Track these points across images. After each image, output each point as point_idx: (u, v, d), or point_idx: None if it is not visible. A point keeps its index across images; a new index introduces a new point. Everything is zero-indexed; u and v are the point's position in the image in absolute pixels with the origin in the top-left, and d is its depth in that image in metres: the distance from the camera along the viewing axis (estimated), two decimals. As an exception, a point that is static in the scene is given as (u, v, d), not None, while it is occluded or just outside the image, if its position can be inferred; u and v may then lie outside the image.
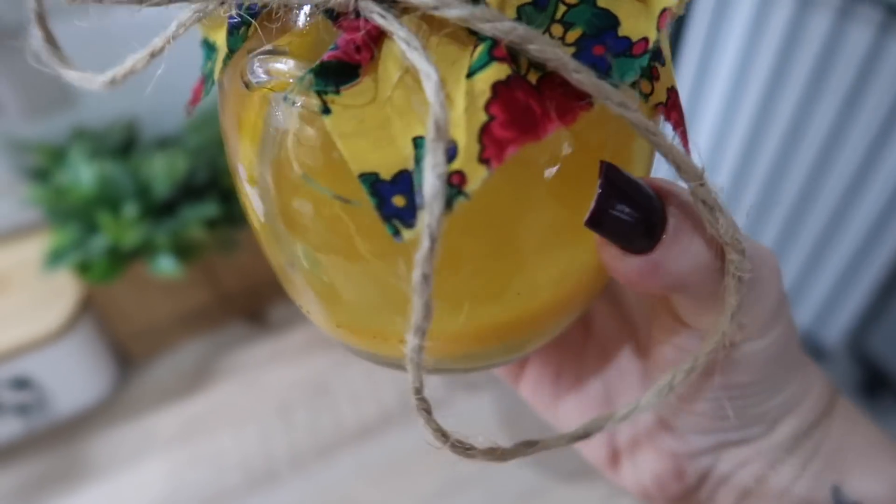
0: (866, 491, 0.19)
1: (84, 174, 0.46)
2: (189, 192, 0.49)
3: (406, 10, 0.13)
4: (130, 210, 0.46)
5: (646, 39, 0.13)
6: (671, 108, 0.14)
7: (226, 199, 0.50)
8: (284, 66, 0.14)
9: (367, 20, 0.13)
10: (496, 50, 0.12)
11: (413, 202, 0.13)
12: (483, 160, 0.12)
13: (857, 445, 0.20)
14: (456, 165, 0.12)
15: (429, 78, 0.12)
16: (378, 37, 0.13)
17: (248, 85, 0.15)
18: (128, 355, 0.56)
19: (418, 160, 0.12)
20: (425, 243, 0.12)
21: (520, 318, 0.17)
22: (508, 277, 0.16)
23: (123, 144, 0.50)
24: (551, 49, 0.12)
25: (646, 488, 0.22)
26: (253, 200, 0.16)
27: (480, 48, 0.12)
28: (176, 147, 0.49)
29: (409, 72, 0.12)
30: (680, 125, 0.15)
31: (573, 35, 0.13)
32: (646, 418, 0.22)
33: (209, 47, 0.16)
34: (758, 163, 1.34)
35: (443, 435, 0.15)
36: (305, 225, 0.15)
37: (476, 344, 0.18)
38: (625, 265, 0.15)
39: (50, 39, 0.16)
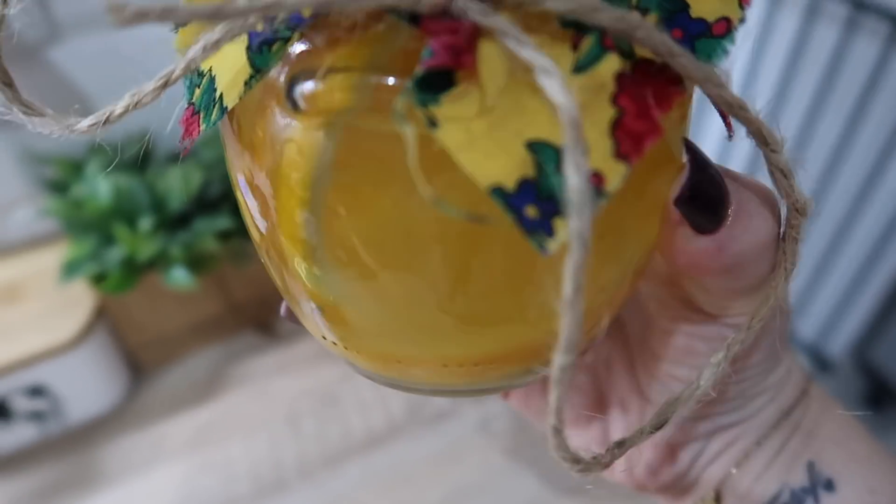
0: (839, 468, 0.20)
1: (101, 187, 0.47)
2: (203, 204, 0.50)
3: (497, 8, 0.12)
4: (146, 223, 0.47)
5: (726, 19, 0.13)
6: None
7: (238, 212, 0.51)
8: (341, 83, 0.13)
9: (460, 21, 0.11)
10: (605, 41, 0.12)
11: (546, 210, 0.12)
12: (621, 156, 0.11)
13: (831, 426, 0.21)
14: (590, 165, 0.11)
15: (549, 74, 0.11)
16: (472, 38, 0.12)
17: (296, 107, 0.13)
18: (140, 364, 0.57)
19: (541, 165, 0.12)
20: (578, 251, 0.11)
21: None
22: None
23: (139, 157, 0.51)
24: (658, 35, 0.11)
25: (639, 479, 0.22)
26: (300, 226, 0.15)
27: (588, 41, 0.12)
28: (190, 161, 0.51)
29: (514, 73, 0.12)
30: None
31: (650, 20, 0.12)
32: (639, 404, 0.22)
33: (197, 74, 0.15)
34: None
35: (574, 460, 0.15)
36: (362, 248, 0.14)
37: (516, 362, 0.17)
38: (695, 245, 0.16)
39: (6, 79, 0.14)
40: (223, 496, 0.50)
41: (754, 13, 1.20)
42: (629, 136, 0.11)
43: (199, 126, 0.15)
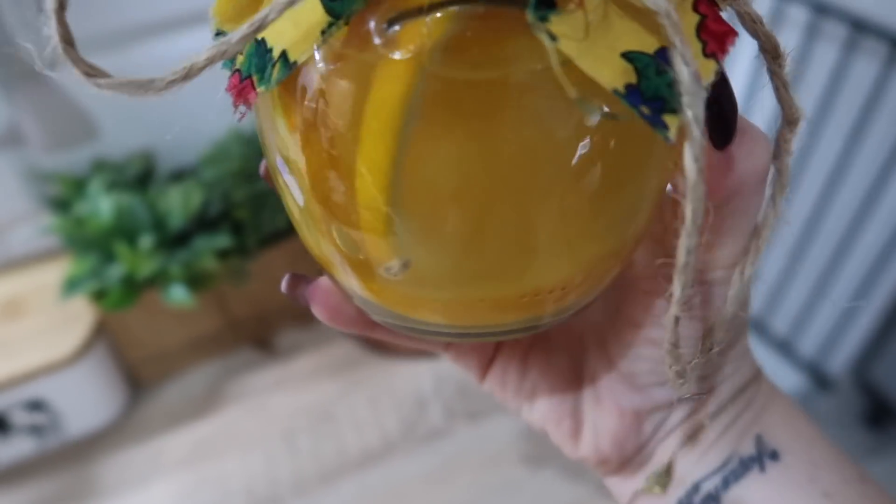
0: (785, 442, 0.22)
1: (103, 205, 0.48)
2: (203, 223, 0.51)
3: None
4: (146, 241, 0.47)
5: None
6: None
7: (238, 231, 0.52)
8: (439, 21, 0.13)
9: None
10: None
11: (655, 108, 0.13)
12: (709, 54, 0.13)
13: (778, 407, 0.23)
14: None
15: None
16: None
17: (390, 48, 0.14)
18: (139, 379, 0.57)
19: (641, 71, 0.13)
20: (697, 134, 0.12)
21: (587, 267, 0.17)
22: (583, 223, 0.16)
23: (141, 176, 0.52)
24: None
25: (603, 452, 0.23)
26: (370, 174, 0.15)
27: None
28: (191, 180, 0.51)
29: None
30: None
31: None
32: (609, 377, 0.23)
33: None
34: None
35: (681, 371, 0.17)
36: (461, 176, 0.15)
37: (530, 308, 0.18)
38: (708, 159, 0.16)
39: (67, 37, 0.14)
40: (219, 512, 0.50)
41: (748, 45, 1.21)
42: (713, 37, 0.13)
43: (254, 89, 0.15)
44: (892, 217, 1.14)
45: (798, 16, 1.08)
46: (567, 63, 0.13)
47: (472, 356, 0.24)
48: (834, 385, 1.37)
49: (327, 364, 0.60)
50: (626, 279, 0.21)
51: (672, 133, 0.13)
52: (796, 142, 0.17)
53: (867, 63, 1.06)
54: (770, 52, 0.16)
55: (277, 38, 0.14)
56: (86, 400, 0.53)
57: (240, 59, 0.15)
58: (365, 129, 0.14)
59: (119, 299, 0.48)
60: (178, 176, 0.54)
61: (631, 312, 0.21)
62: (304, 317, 0.61)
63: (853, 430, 1.34)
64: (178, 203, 0.49)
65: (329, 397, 0.57)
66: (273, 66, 0.14)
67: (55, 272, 0.53)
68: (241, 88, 0.15)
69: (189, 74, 0.14)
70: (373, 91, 0.14)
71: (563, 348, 0.25)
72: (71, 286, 0.48)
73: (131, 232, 0.48)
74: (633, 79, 0.13)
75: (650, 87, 0.13)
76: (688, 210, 0.13)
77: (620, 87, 0.13)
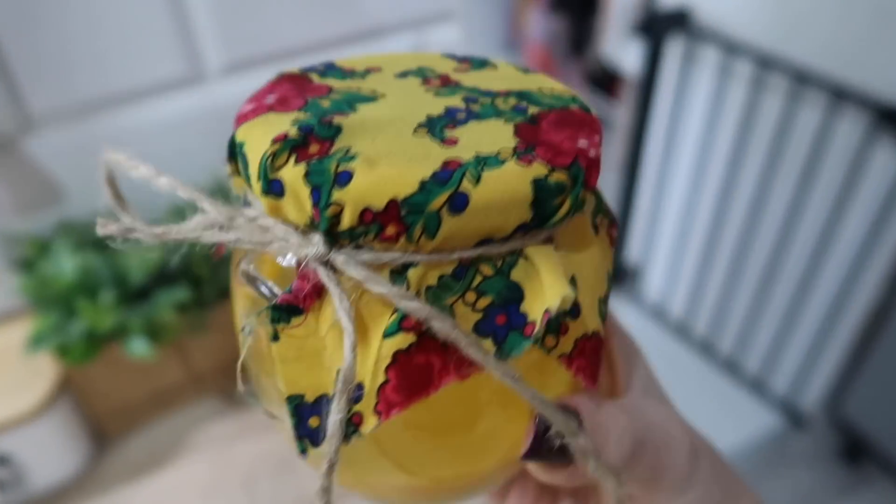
0: None
1: (66, 264, 0.51)
2: (163, 278, 0.54)
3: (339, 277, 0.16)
4: (107, 297, 0.50)
5: (534, 323, 0.15)
6: (577, 355, 0.16)
7: (197, 285, 0.54)
8: (264, 286, 0.18)
9: (315, 275, 0.16)
10: (406, 321, 0.15)
11: (323, 426, 0.16)
12: (376, 412, 0.15)
13: None
14: (358, 408, 0.15)
15: (348, 336, 0.15)
16: (317, 291, 0.16)
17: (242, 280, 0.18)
18: (103, 433, 0.59)
19: (294, 409, 0.16)
20: (325, 465, 0.15)
21: (462, 480, 0.20)
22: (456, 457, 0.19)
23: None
24: (447, 328, 0.14)
25: None
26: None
27: (395, 316, 0.15)
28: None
29: (335, 324, 0.15)
30: (583, 370, 0.17)
31: (483, 302, 0.15)
32: None
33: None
34: (723, 240, 1.39)
35: None
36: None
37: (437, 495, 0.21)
38: (552, 477, 0.19)
39: (119, 197, 0.19)
40: (179, 561, 0.51)
41: (704, 87, 1.27)
42: (385, 401, 0.15)
43: (223, 251, 0.19)
44: (850, 252, 1.19)
45: (744, 69, 1.14)
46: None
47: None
48: (808, 422, 1.39)
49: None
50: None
51: (314, 453, 0.16)
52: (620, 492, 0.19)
53: (811, 112, 1.12)
54: (557, 427, 0.17)
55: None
56: (50, 454, 0.54)
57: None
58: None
59: (81, 353, 0.50)
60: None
61: None
62: (265, 367, 0.63)
63: (830, 468, 1.35)
64: (137, 260, 0.52)
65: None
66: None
67: (20, 331, 0.55)
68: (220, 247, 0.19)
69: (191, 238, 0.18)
70: (235, 293, 0.20)
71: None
72: (35, 342, 0.50)
73: (93, 288, 0.50)
74: (330, 391, 0.16)
75: (302, 425, 0.16)
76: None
77: (312, 396, 0.16)
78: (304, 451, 0.16)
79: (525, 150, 0.16)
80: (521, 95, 0.18)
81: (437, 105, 0.17)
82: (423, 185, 0.14)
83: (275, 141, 0.15)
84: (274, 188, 0.15)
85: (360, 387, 0.15)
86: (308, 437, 0.16)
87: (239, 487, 0.56)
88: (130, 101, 0.57)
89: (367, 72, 0.19)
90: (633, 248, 1.64)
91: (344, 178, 0.14)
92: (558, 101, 0.18)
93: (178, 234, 0.18)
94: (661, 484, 0.20)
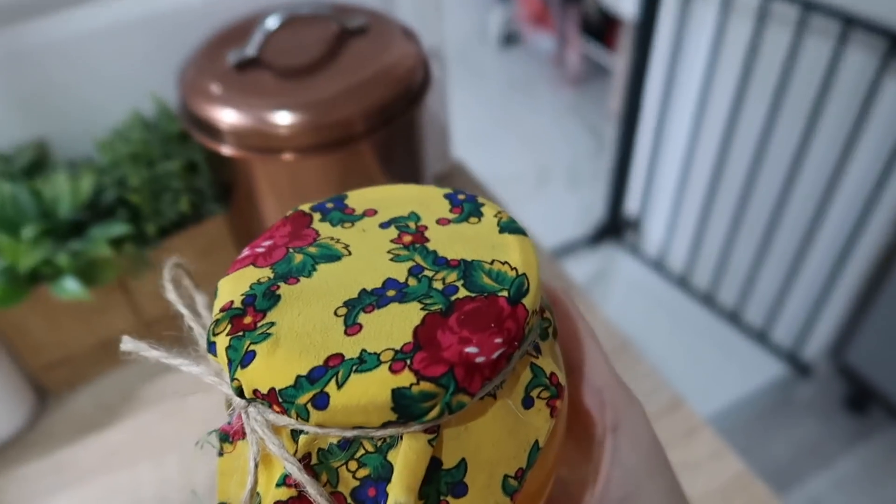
0: None
1: (-16, 196, 0.45)
2: (97, 212, 0.48)
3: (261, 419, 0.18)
4: (30, 231, 0.44)
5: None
6: None
7: (136, 218, 0.48)
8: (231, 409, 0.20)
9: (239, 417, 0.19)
10: (289, 478, 0.17)
11: None
12: None
13: None
14: None
15: (250, 478, 0.18)
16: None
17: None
18: (45, 387, 0.54)
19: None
20: None
21: None
22: None
23: (31, 166, 0.49)
24: (315, 495, 0.16)
25: None
26: None
27: (283, 471, 0.17)
28: (80, 166, 0.48)
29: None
30: None
31: (362, 473, 0.17)
32: None
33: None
34: (725, 187, 1.33)
35: None
36: None
37: None
38: None
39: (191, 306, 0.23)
40: (128, 523, 0.46)
41: (705, 25, 1.20)
42: None
43: None
44: (857, 198, 1.12)
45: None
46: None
47: None
48: (813, 371, 1.35)
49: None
50: None
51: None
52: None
53: (820, 44, 1.04)
54: None
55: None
56: (-17, 411, 0.49)
57: None
58: None
59: (4, 295, 0.45)
60: (74, 166, 0.51)
61: None
62: (224, 313, 0.58)
63: (837, 417, 1.31)
64: (66, 190, 0.46)
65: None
66: None
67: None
68: None
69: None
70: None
71: None
72: (-47, 285, 0.45)
73: (14, 222, 0.45)
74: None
75: None
76: None
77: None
78: None
79: (409, 351, 0.17)
80: (467, 269, 0.19)
81: (381, 274, 0.19)
82: (297, 380, 0.17)
83: (222, 309, 0.19)
84: (211, 349, 0.19)
85: None
86: None
87: (193, 443, 0.51)
88: (61, 7, 0.49)
89: (363, 215, 0.22)
90: (632, 200, 1.58)
91: (247, 360, 0.17)
92: (495, 284, 0.19)
93: (167, 360, 0.21)
94: None
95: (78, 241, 0.46)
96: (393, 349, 0.17)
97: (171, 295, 0.21)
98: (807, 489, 1.20)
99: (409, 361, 0.17)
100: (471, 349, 0.17)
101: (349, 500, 0.17)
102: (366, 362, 0.17)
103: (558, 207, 1.82)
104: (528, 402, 0.19)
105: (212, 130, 0.45)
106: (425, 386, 0.16)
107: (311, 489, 0.16)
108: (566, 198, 1.86)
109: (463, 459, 0.17)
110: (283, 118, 0.43)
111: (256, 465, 0.17)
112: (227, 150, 0.45)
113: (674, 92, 1.35)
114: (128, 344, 0.21)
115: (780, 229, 1.28)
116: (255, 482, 0.18)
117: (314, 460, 0.17)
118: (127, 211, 0.48)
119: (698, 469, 0.46)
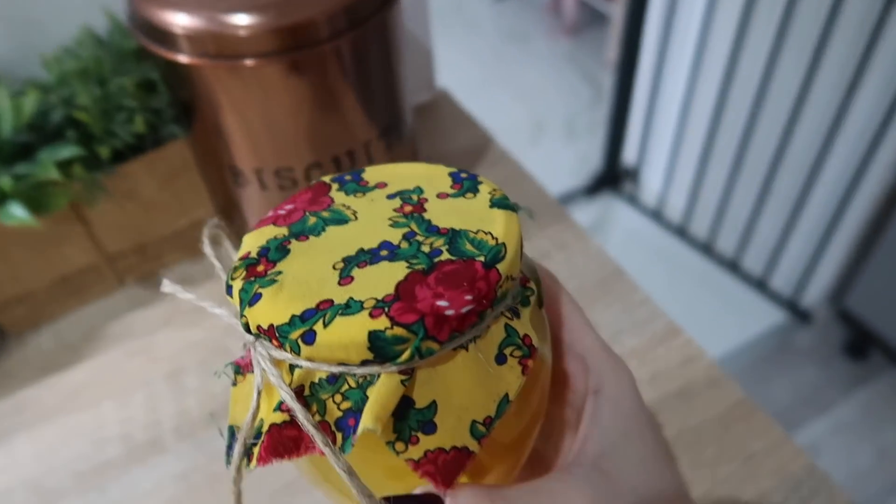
0: None
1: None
2: (45, 134, 0.44)
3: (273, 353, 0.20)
4: (-32, 151, 0.41)
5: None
6: (425, 463, 0.19)
7: (87, 140, 0.45)
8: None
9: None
10: (284, 405, 0.19)
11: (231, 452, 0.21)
12: (258, 459, 0.19)
13: None
14: (254, 449, 0.20)
15: (252, 404, 0.20)
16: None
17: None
18: (2, 327, 0.50)
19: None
20: (232, 474, 0.20)
21: None
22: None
23: (-28, 87, 0.45)
24: (303, 421, 0.19)
25: None
26: None
27: (280, 399, 0.20)
28: (24, 84, 0.44)
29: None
30: (430, 474, 0.19)
31: (345, 405, 0.19)
32: None
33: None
34: (724, 133, 1.29)
35: None
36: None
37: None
38: None
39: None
40: (91, 462, 0.44)
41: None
42: (259, 454, 0.20)
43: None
44: (857, 143, 1.08)
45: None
46: None
47: None
48: (812, 317, 1.32)
49: (222, 296, 0.53)
50: None
51: (231, 464, 0.20)
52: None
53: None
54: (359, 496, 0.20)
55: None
56: (-66, 350, 0.46)
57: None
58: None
59: (-55, 223, 0.41)
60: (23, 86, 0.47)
61: None
62: (192, 247, 0.54)
63: (837, 363, 1.28)
64: (6, 107, 0.42)
65: (223, 331, 0.51)
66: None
67: None
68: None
69: None
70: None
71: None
72: None
73: (-50, 142, 0.41)
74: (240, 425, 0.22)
75: (230, 446, 0.22)
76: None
77: (239, 423, 0.22)
78: (228, 464, 0.20)
79: (388, 301, 0.19)
80: (453, 237, 0.22)
81: (379, 237, 0.22)
82: (292, 319, 0.19)
83: (240, 258, 0.21)
84: (229, 291, 0.21)
85: (258, 434, 0.20)
86: (228, 455, 0.21)
87: (163, 381, 0.48)
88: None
89: (375, 187, 0.25)
90: (630, 150, 1.53)
91: (255, 300, 0.20)
92: (475, 251, 0.21)
93: (198, 302, 0.22)
94: None
95: (24, 164, 0.43)
96: (375, 298, 0.19)
97: (208, 249, 0.23)
98: (806, 434, 1.19)
99: (387, 309, 0.19)
100: (441, 303, 0.19)
101: (333, 427, 0.19)
102: (350, 307, 0.19)
103: (555, 158, 1.78)
104: (500, 359, 0.21)
105: (165, 37, 0.41)
106: (398, 331, 0.18)
107: (300, 415, 0.19)
108: (563, 149, 1.82)
109: (434, 402, 0.20)
110: (241, 19, 0.39)
111: (259, 393, 0.20)
112: (182, 58, 0.41)
113: (672, 36, 1.30)
114: (167, 287, 0.23)
115: (780, 174, 1.24)
116: (258, 408, 0.20)
117: (306, 392, 0.20)
118: (77, 133, 0.44)
119: (696, 397, 0.43)
